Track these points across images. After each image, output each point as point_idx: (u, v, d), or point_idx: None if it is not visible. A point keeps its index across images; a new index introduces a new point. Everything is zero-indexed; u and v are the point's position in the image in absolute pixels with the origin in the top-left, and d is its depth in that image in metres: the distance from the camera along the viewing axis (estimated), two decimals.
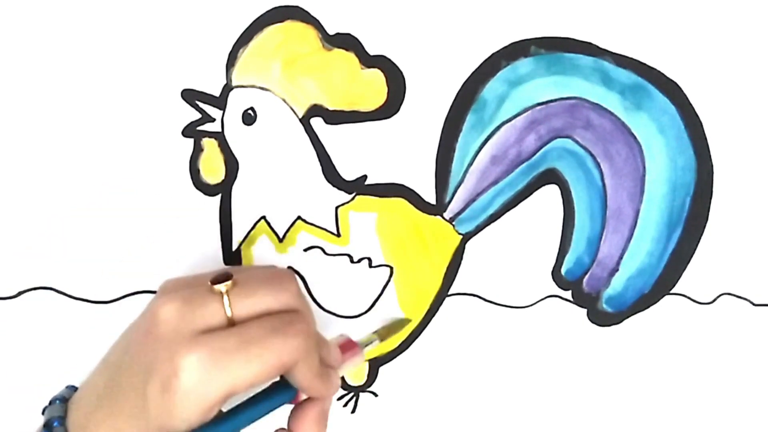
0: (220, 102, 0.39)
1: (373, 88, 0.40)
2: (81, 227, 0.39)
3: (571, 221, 0.42)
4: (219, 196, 0.40)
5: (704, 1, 0.41)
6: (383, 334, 0.40)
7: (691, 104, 0.41)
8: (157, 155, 0.39)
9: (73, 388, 0.32)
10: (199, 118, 0.39)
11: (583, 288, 0.43)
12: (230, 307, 0.29)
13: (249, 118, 0.39)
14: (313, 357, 0.30)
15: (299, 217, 0.40)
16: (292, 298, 0.30)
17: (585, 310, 0.43)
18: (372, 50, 0.39)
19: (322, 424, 0.33)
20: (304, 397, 0.32)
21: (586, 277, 0.43)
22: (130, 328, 0.32)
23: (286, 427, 0.33)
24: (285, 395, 0.31)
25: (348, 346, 0.36)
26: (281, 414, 0.32)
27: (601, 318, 0.43)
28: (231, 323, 0.29)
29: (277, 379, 0.31)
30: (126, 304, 0.40)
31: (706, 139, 0.42)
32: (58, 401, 0.31)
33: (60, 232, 0.39)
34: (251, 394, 0.31)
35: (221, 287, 0.29)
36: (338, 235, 0.40)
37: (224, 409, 0.30)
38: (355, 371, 0.42)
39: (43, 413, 0.31)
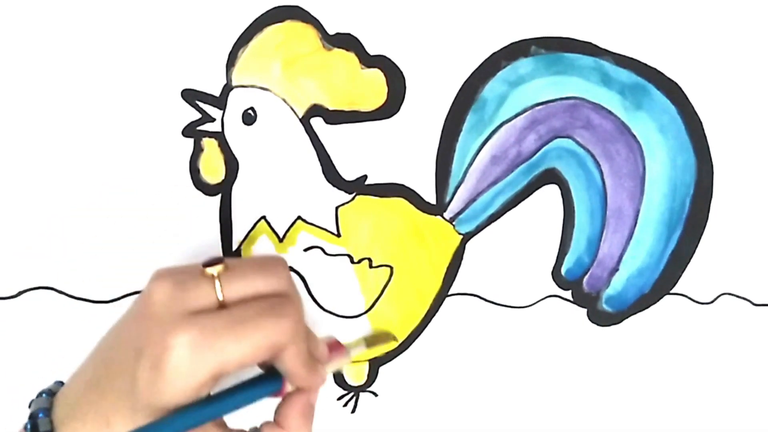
0: (220, 102, 0.39)
1: (373, 88, 0.40)
2: (81, 227, 0.39)
3: (571, 221, 0.42)
4: (219, 196, 0.40)
5: (704, 1, 0.41)
6: (370, 341, 0.40)
7: (691, 104, 0.41)
8: (157, 155, 0.39)
9: (61, 383, 0.32)
10: (199, 118, 0.39)
11: (583, 288, 0.43)
12: (221, 290, 0.29)
13: (249, 118, 0.39)
14: (302, 343, 0.30)
15: (299, 217, 0.40)
16: (282, 282, 0.30)
17: (585, 310, 0.43)
18: (372, 50, 0.39)
19: (308, 418, 0.32)
20: (290, 389, 0.32)
21: (586, 277, 0.43)
22: (122, 316, 0.32)
23: (273, 420, 0.32)
24: (271, 385, 0.31)
25: (335, 347, 0.36)
26: (268, 408, 0.32)
27: (601, 318, 0.43)
28: (222, 306, 0.29)
29: (262, 372, 0.32)
30: (126, 304, 0.39)
31: (706, 139, 0.42)
32: (44, 394, 0.31)
33: (60, 232, 0.39)
34: (239, 381, 0.31)
35: (213, 270, 0.29)
36: (338, 235, 0.40)
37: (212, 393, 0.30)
38: (355, 371, 0.42)
39: (30, 407, 0.31)
